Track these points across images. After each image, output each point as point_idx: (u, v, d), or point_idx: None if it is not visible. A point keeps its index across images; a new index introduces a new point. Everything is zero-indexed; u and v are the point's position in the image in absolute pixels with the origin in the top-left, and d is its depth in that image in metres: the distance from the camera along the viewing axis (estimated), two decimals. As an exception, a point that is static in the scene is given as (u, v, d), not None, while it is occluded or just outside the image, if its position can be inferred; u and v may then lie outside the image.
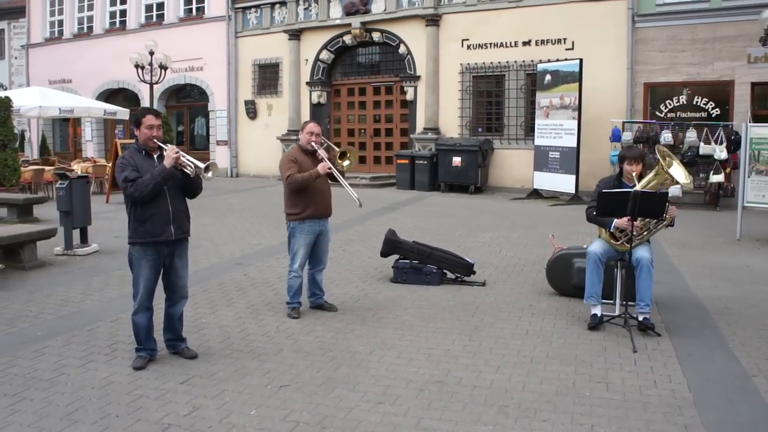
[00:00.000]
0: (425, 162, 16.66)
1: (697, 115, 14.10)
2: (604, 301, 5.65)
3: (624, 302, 5.49)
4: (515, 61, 16.28)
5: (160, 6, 22.47)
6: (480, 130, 17.12)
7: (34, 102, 15.99)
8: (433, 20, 17.22)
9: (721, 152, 12.93)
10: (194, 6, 21.88)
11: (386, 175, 18.16)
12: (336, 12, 18.82)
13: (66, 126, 25.95)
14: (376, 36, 18.31)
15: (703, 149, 13.07)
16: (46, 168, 15.96)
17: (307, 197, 5.69)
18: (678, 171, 5.35)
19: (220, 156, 21.11)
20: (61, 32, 25.05)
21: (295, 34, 19.56)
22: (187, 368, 4.54)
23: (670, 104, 14.48)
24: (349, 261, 8.19)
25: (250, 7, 20.60)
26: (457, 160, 16.17)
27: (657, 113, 14.56)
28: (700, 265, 8.00)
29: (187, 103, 23.20)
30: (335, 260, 7.92)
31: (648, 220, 5.47)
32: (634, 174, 5.47)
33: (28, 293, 6.57)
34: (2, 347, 4.97)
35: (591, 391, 4.20)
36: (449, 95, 17.30)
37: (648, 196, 5.21)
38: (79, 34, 24.60)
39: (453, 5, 17.12)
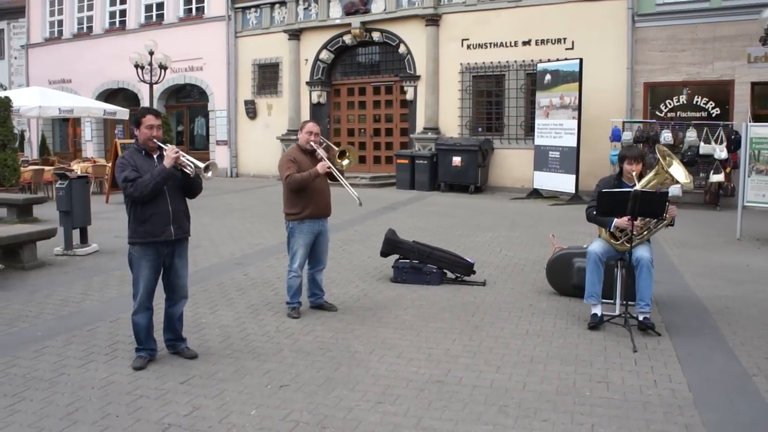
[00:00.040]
0: (425, 162, 16.66)
1: (697, 114, 14.10)
2: (604, 300, 5.65)
3: (624, 302, 5.49)
4: (515, 61, 16.28)
5: (160, 6, 22.47)
6: (480, 129, 17.12)
7: (34, 102, 15.98)
8: (433, 20, 17.22)
9: (721, 152, 12.93)
10: (194, 6, 21.88)
11: (386, 174, 18.16)
12: (336, 12, 18.82)
13: (66, 126, 25.95)
14: (375, 36, 18.31)
15: (703, 149, 13.07)
16: (46, 168, 15.96)
17: (306, 197, 5.68)
18: (678, 170, 5.35)
19: (219, 156, 21.11)
20: (60, 32, 25.05)
21: (295, 34, 19.56)
22: (187, 368, 4.54)
23: (670, 104, 14.48)
24: (349, 261, 8.19)
25: (249, 7, 20.59)
26: (457, 160, 16.17)
27: (657, 113, 14.56)
28: (700, 265, 8.00)
29: (186, 103, 23.20)
30: (335, 260, 7.92)
31: (648, 219, 5.47)
32: (634, 173, 5.47)
33: (28, 293, 6.57)
34: (2, 347, 4.96)
35: (591, 390, 4.20)
36: (449, 95, 17.30)
37: (648, 196, 5.21)
38: (78, 34, 24.60)
39: (453, 5, 17.12)
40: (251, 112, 20.86)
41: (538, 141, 15.28)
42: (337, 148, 6.08)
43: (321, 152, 5.73)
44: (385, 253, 7.35)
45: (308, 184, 5.61)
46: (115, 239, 9.26)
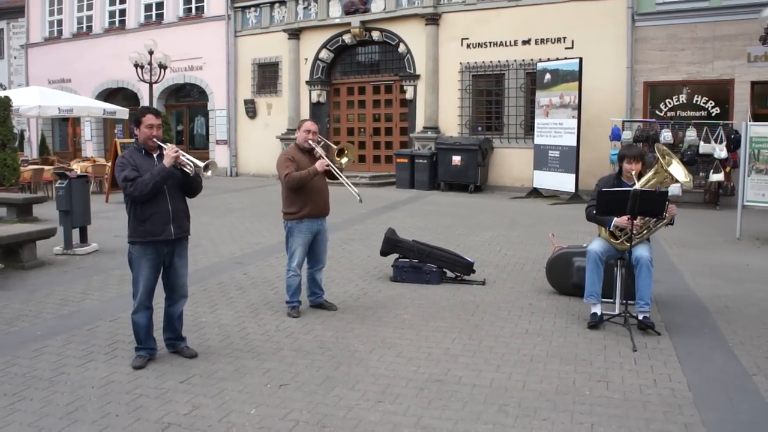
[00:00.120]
0: (425, 161, 16.66)
1: (697, 114, 14.10)
2: (603, 300, 5.64)
3: (624, 301, 5.49)
4: (515, 60, 16.28)
5: (160, 5, 22.46)
6: (480, 129, 17.12)
7: (34, 101, 15.98)
8: (433, 19, 17.22)
9: (720, 151, 12.94)
10: (194, 5, 21.87)
11: (386, 174, 18.16)
12: (335, 11, 18.81)
13: (65, 125, 25.94)
14: (375, 35, 18.31)
15: (703, 148, 13.07)
16: (46, 167, 15.95)
17: (304, 196, 5.67)
18: (677, 169, 5.34)
19: (219, 155, 21.11)
20: (60, 32, 25.04)
21: (295, 33, 19.56)
22: (187, 367, 4.54)
23: (669, 103, 14.48)
24: (348, 260, 8.19)
25: (249, 7, 20.59)
26: (456, 159, 16.17)
27: (657, 112, 14.56)
28: (699, 264, 8.00)
29: (186, 102, 23.20)
30: (335, 259, 7.92)
31: (647, 218, 5.47)
32: (633, 173, 5.47)
33: (28, 293, 6.57)
34: (2, 347, 4.96)
35: (591, 389, 4.20)
36: (449, 94, 17.30)
37: (648, 195, 5.21)
38: (78, 34, 24.59)
39: (452, 4, 17.12)
40: (251, 111, 20.86)
41: (537, 140, 15.28)
42: (335, 147, 6.07)
43: (319, 150, 5.73)
44: (384, 252, 7.35)
45: (307, 182, 5.61)
46: (114, 238, 9.26)
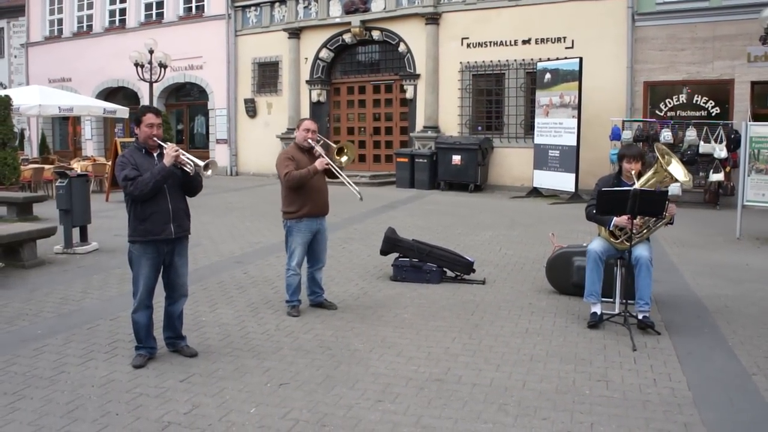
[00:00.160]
0: (425, 160, 16.66)
1: (697, 113, 14.10)
2: (603, 299, 5.65)
3: (624, 300, 5.49)
4: (515, 60, 16.28)
5: (160, 4, 22.46)
6: (480, 128, 17.12)
7: (34, 101, 15.98)
8: (433, 19, 17.21)
9: (720, 151, 12.94)
10: (194, 4, 21.87)
11: (386, 173, 18.16)
12: (336, 10, 18.81)
13: (66, 124, 25.94)
14: (375, 34, 18.30)
15: (703, 148, 13.08)
16: (46, 166, 15.94)
17: (304, 195, 5.67)
18: (677, 169, 5.34)
19: (219, 154, 21.11)
20: (60, 31, 25.03)
21: (295, 33, 19.56)
22: (187, 366, 4.55)
23: (669, 103, 14.48)
24: (348, 259, 8.19)
25: (249, 6, 20.58)
26: (456, 159, 16.17)
27: (657, 112, 14.56)
28: (699, 264, 8.00)
29: (186, 101, 23.20)
30: (335, 258, 7.92)
31: (647, 218, 5.47)
32: (633, 172, 5.47)
33: (28, 292, 6.57)
34: (2, 345, 4.97)
35: (591, 389, 4.20)
36: (449, 94, 17.30)
37: (648, 195, 5.21)
38: (78, 33, 24.59)
39: (453, 4, 17.11)
40: (251, 110, 20.86)
41: (537, 140, 15.28)
42: (335, 145, 6.07)
43: (319, 149, 5.73)
44: (384, 252, 7.35)
45: (307, 181, 5.60)
46: (115, 237, 9.26)
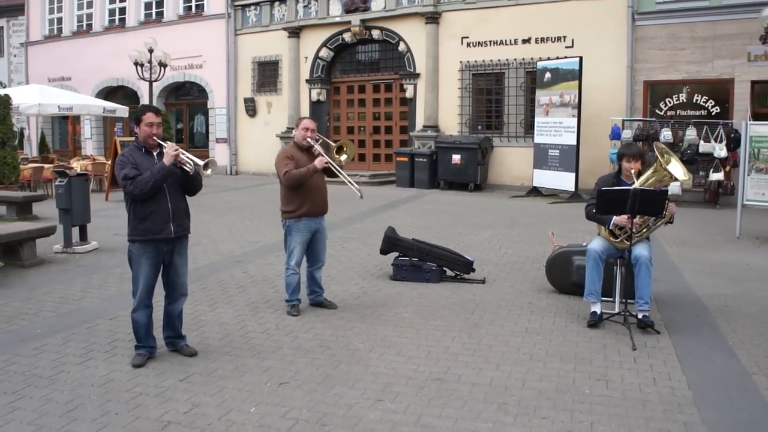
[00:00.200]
0: (425, 160, 16.65)
1: (697, 113, 14.10)
2: (603, 298, 5.64)
3: (623, 300, 5.49)
4: (515, 59, 16.27)
5: (160, 3, 22.45)
6: (479, 127, 17.11)
7: (34, 100, 15.97)
8: (433, 18, 17.21)
9: (720, 150, 12.93)
10: (193, 3, 21.86)
11: (386, 172, 18.16)
12: (335, 9, 18.80)
13: (65, 124, 25.93)
14: (375, 33, 18.30)
15: (703, 147, 13.07)
16: (46, 166, 15.94)
17: (303, 194, 5.67)
18: (676, 168, 5.34)
19: (219, 154, 21.11)
20: (60, 30, 25.01)
21: (295, 32, 19.55)
22: (187, 366, 4.54)
23: (669, 102, 14.48)
24: (348, 258, 8.19)
25: (249, 5, 20.57)
26: (456, 158, 16.17)
27: (657, 111, 14.55)
28: (699, 263, 8.00)
29: (186, 100, 23.19)
30: (335, 258, 7.92)
31: (647, 217, 5.47)
32: (632, 171, 5.47)
33: (28, 291, 6.57)
34: (2, 345, 4.97)
35: (590, 388, 4.20)
36: (449, 93, 17.29)
37: (648, 194, 5.21)
38: (78, 32, 24.57)
39: (452, 3, 17.10)
40: (251, 109, 20.85)
41: (537, 139, 15.28)
42: (334, 144, 6.06)
43: (318, 148, 5.72)
44: (384, 251, 7.35)
45: (306, 179, 5.60)
46: (114, 237, 9.26)
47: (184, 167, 4.53)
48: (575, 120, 14.16)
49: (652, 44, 14.52)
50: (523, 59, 16.13)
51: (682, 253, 8.60)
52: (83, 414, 3.78)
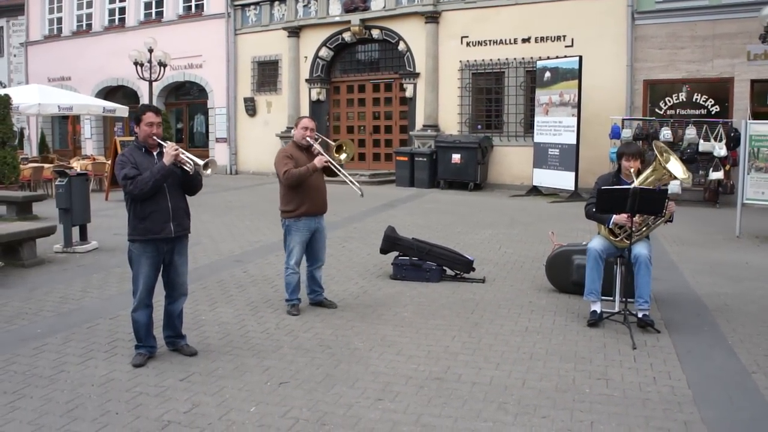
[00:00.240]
0: (425, 159, 16.65)
1: (697, 112, 14.10)
2: (603, 297, 5.65)
3: (623, 299, 5.49)
4: (515, 58, 16.27)
5: (159, 3, 22.44)
6: (479, 127, 17.11)
7: (33, 99, 15.97)
8: (433, 17, 17.20)
9: (720, 149, 12.93)
10: (193, 3, 21.85)
11: (386, 172, 18.16)
12: (335, 9, 18.80)
13: (65, 123, 25.93)
14: (375, 33, 18.29)
15: (703, 146, 13.07)
16: (46, 165, 15.94)
17: (302, 194, 5.66)
18: (675, 166, 5.34)
19: (219, 153, 21.11)
20: (60, 30, 25.00)
21: (295, 31, 19.54)
22: (187, 365, 4.55)
23: (669, 101, 14.48)
24: (348, 258, 8.19)
25: (249, 4, 20.56)
26: (456, 157, 16.16)
27: (656, 110, 14.55)
28: (699, 262, 8.00)
29: (186, 100, 23.18)
30: (334, 257, 7.92)
31: (646, 216, 5.47)
32: (632, 170, 5.47)
33: (28, 291, 6.57)
34: (2, 344, 4.97)
35: (591, 387, 4.20)
36: (449, 92, 17.29)
37: (648, 193, 5.21)
38: (78, 32, 24.56)
39: (452, 2, 17.10)
40: (251, 109, 20.85)
41: (537, 138, 15.28)
42: (333, 143, 6.06)
43: (317, 147, 5.72)
44: (384, 250, 7.35)
45: (306, 178, 5.60)
46: (114, 236, 9.26)
47: (184, 167, 4.53)
48: (575, 119, 14.15)
49: (651, 43, 14.52)
50: (523, 58, 16.12)
51: (681, 252, 8.60)
52: (83, 413, 3.78)
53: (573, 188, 14.24)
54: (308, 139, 5.71)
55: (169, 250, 4.63)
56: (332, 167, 5.72)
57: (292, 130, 6.06)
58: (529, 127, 16.12)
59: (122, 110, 18.36)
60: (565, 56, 14.86)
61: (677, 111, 14.34)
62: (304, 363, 4.60)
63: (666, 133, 13.34)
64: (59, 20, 25.02)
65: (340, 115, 19.91)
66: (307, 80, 19.60)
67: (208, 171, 4.57)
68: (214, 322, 5.56)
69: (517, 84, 16.34)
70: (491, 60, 16.59)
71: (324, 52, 19.23)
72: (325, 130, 18.77)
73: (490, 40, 16.56)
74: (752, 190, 9.75)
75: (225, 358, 4.69)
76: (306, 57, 19.56)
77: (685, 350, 4.88)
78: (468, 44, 16.90)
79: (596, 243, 5.60)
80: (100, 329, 5.33)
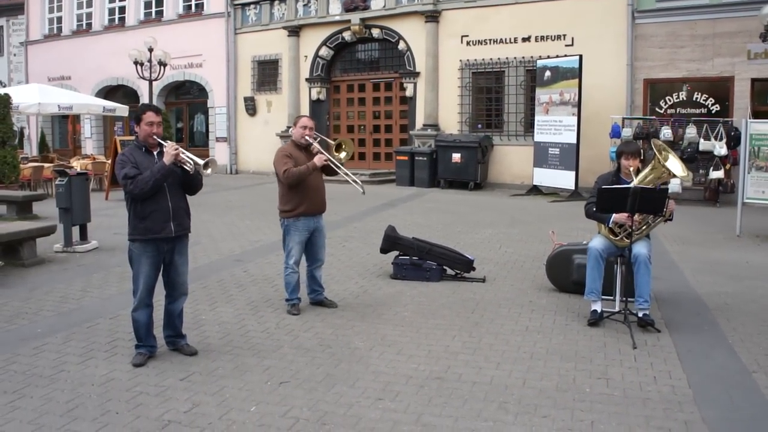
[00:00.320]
0: (425, 158, 16.65)
1: (697, 111, 14.09)
2: (604, 297, 5.64)
3: (624, 298, 5.49)
4: (515, 58, 16.26)
5: (159, 2, 22.43)
6: (480, 126, 17.11)
7: (33, 99, 15.97)
8: (433, 16, 17.20)
9: (720, 148, 12.92)
10: (193, 2, 21.85)
11: (386, 171, 18.15)
12: (335, 8, 18.79)
13: (65, 123, 25.93)
14: (375, 32, 18.28)
15: (703, 145, 13.06)
16: (46, 165, 15.94)
17: (301, 193, 5.66)
18: (674, 164, 5.33)
19: (219, 153, 21.10)
20: (60, 29, 25.00)
21: (295, 31, 19.53)
22: (187, 365, 4.54)
23: (669, 100, 14.47)
24: (348, 257, 8.19)
25: (249, 4, 20.55)
26: (456, 157, 16.16)
27: (657, 109, 14.55)
28: (699, 261, 8.00)
29: (186, 99, 23.18)
30: (335, 256, 7.92)
31: (646, 214, 5.47)
32: (631, 169, 5.47)
33: (28, 290, 6.57)
34: (2, 344, 4.97)
35: (591, 387, 4.20)
36: (449, 91, 17.28)
37: (648, 193, 5.20)
38: (78, 31, 24.55)
39: (452, 1, 17.09)
40: (251, 108, 20.84)
41: (537, 137, 15.27)
42: (332, 142, 6.06)
43: (316, 146, 5.72)
44: (384, 250, 7.35)
45: (306, 177, 5.59)
46: (114, 236, 9.26)
47: (184, 166, 4.53)
48: (575, 118, 14.15)
49: (652, 42, 14.51)
50: (523, 58, 16.12)
51: (682, 252, 8.60)
52: (84, 413, 3.78)
53: (573, 187, 14.24)
54: (307, 138, 5.71)
55: (169, 249, 4.63)
56: (332, 166, 5.72)
57: (290, 129, 6.05)
58: (529, 126, 16.11)
59: (122, 110, 18.35)
60: (566, 55, 14.86)
61: (677, 110, 14.34)
62: (304, 362, 4.60)
63: (666, 133, 13.33)
64: (59, 19, 25.02)
65: (340, 114, 19.90)
66: (307, 79, 19.60)
67: (209, 170, 4.57)
68: (215, 321, 5.56)
69: (517, 83, 16.33)
70: (491, 59, 16.58)
71: (324, 52, 19.22)
72: (325, 130, 18.77)
73: (490, 40, 16.56)
74: (753, 189, 9.75)
75: (225, 358, 4.69)
76: (306, 56, 19.55)
77: (686, 349, 4.88)
78: (468, 43, 16.89)
79: (597, 242, 5.60)
80: (101, 329, 5.33)
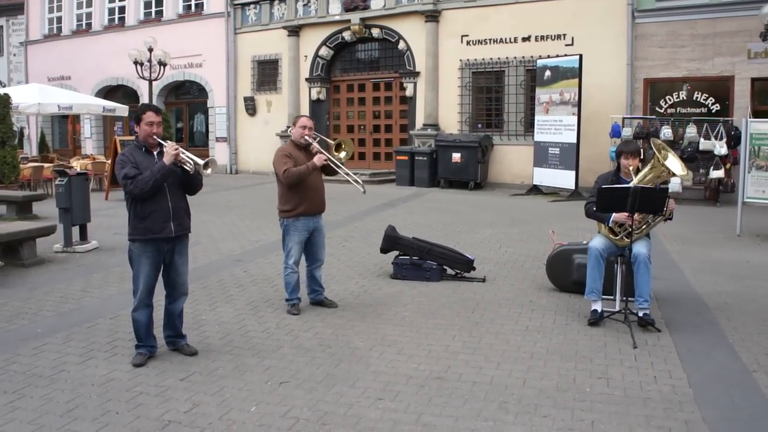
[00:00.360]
0: (425, 158, 16.64)
1: (697, 110, 14.08)
2: (604, 296, 5.64)
3: (624, 298, 5.49)
4: (515, 57, 16.26)
5: (159, 2, 22.43)
6: (480, 126, 17.11)
7: (33, 99, 15.97)
8: (433, 16, 17.19)
9: (721, 148, 12.92)
10: (193, 2, 21.85)
11: (386, 171, 18.15)
12: (335, 8, 18.79)
13: (65, 123, 25.93)
14: (375, 32, 18.28)
15: (703, 145, 13.06)
16: (45, 165, 15.94)
17: (300, 193, 5.65)
18: (674, 163, 5.33)
19: (219, 153, 21.10)
20: (59, 29, 24.99)
21: (295, 31, 19.53)
22: (187, 365, 4.54)
23: (670, 100, 14.47)
24: (348, 257, 8.19)
25: (249, 3, 20.55)
26: (456, 156, 16.16)
27: (657, 109, 14.54)
28: (700, 261, 8.00)
29: (186, 99, 23.17)
30: (335, 256, 7.92)
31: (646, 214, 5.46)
32: (631, 168, 5.47)
33: (28, 290, 6.57)
34: (2, 344, 4.96)
35: (591, 386, 4.20)
36: (449, 91, 17.28)
37: (648, 192, 5.20)
38: (77, 31, 24.55)
39: (452, 1, 17.08)
40: (251, 108, 20.84)
41: (537, 137, 15.27)
42: (332, 142, 6.05)
43: (316, 146, 5.71)
44: (384, 250, 7.35)
45: (306, 177, 5.59)
46: (114, 236, 9.25)
47: (184, 166, 4.52)
48: (575, 118, 14.15)
49: (652, 42, 14.51)
50: (523, 57, 16.12)
51: (682, 251, 8.60)
52: (84, 413, 3.78)
53: (573, 187, 14.24)
54: (307, 137, 5.70)
55: (169, 249, 4.63)
56: (332, 165, 5.71)
57: (290, 129, 6.05)
58: (529, 126, 16.11)
59: (122, 110, 18.35)
60: (566, 55, 14.85)
61: (678, 109, 14.34)
62: (304, 362, 4.60)
63: (666, 132, 13.33)
64: (59, 19, 25.01)
65: (340, 114, 19.90)
66: (307, 79, 19.59)
67: (209, 170, 4.57)
68: (215, 321, 5.56)
69: (517, 83, 16.33)
70: (491, 59, 16.58)
71: (324, 51, 19.22)
72: (325, 130, 18.78)
73: (490, 39, 16.56)
74: (753, 189, 9.75)
75: (225, 358, 4.68)
76: (306, 56, 19.55)
77: (686, 349, 4.87)
78: (468, 43, 16.89)
79: (597, 242, 5.60)
80: (101, 329, 5.33)
